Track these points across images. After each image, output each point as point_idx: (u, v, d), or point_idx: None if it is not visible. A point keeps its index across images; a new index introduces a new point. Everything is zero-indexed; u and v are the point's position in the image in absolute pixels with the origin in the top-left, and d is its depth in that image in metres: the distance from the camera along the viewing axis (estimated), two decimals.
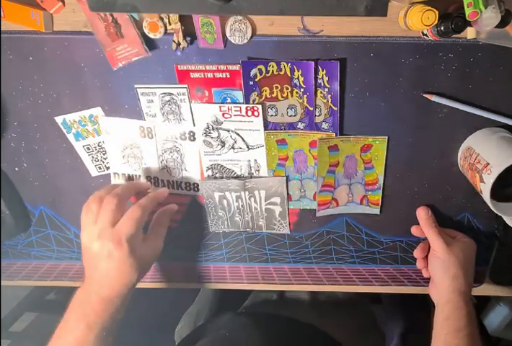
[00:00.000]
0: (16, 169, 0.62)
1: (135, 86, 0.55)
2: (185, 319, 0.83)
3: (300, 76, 0.52)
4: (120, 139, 0.59)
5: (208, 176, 0.61)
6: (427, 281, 0.63)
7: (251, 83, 0.53)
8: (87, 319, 0.50)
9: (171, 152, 0.59)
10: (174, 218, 0.64)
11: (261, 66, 0.52)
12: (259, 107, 0.55)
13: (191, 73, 0.53)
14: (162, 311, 0.79)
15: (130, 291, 0.54)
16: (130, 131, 0.58)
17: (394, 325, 0.83)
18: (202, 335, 0.66)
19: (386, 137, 0.57)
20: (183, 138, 0.58)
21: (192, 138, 0.58)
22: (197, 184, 0.62)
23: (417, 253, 0.61)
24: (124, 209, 0.52)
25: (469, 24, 0.45)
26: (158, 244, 0.57)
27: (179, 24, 0.49)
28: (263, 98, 0.55)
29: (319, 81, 0.53)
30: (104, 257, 0.50)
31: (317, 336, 0.67)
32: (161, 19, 0.49)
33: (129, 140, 0.59)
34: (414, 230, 0.62)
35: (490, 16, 0.41)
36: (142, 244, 0.53)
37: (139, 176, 0.61)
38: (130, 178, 0.62)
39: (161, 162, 0.60)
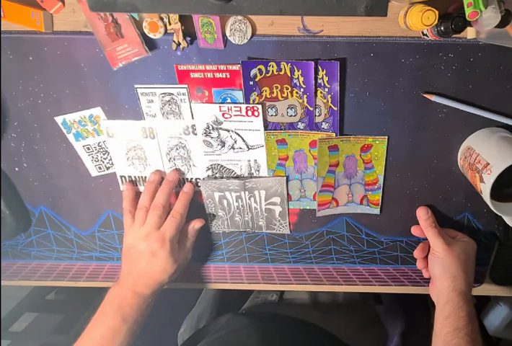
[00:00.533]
0: (16, 169, 0.62)
1: (135, 86, 0.55)
2: (187, 323, 0.83)
3: (300, 76, 0.52)
4: (123, 141, 0.59)
5: (208, 176, 0.61)
6: (427, 281, 0.63)
7: (251, 83, 0.53)
8: (123, 312, 0.55)
9: (177, 149, 0.59)
10: None
11: (261, 66, 0.52)
12: (259, 107, 0.55)
13: (191, 73, 0.53)
14: (165, 314, 0.80)
15: (160, 290, 0.60)
16: (132, 133, 0.58)
17: (394, 324, 0.83)
18: (202, 337, 0.66)
19: (386, 137, 0.57)
20: (186, 132, 0.58)
21: (194, 132, 0.58)
22: None
23: (417, 253, 0.61)
24: (166, 215, 0.59)
25: (469, 24, 0.45)
26: (185, 252, 0.62)
27: (179, 24, 0.49)
28: (263, 98, 0.55)
29: (319, 81, 0.53)
30: (147, 256, 0.57)
31: (319, 335, 0.67)
32: (161, 19, 0.49)
33: (132, 142, 0.59)
34: (414, 230, 0.62)
35: (490, 16, 0.41)
36: (177, 250, 0.60)
37: (145, 177, 0.61)
38: (136, 180, 0.62)
39: (169, 161, 0.60)
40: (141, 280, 0.58)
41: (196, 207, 0.63)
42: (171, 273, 0.59)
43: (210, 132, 0.57)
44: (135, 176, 0.61)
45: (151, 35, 0.50)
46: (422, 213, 0.60)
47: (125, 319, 0.55)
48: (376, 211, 0.62)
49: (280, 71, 0.52)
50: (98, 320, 0.56)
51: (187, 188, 0.61)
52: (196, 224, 0.62)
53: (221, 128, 0.57)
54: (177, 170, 0.61)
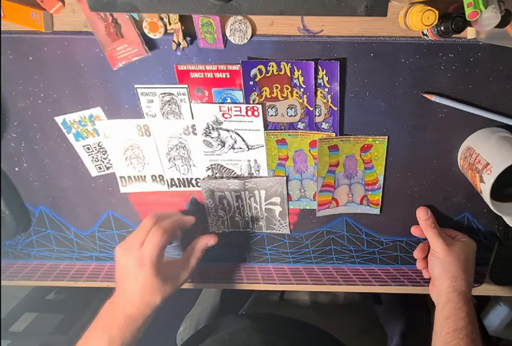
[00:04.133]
0: (16, 169, 0.62)
1: (135, 86, 0.55)
2: (187, 322, 0.83)
3: (300, 76, 0.52)
4: (120, 141, 0.59)
5: (208, 176, 0.61)
6: (427, 281, 0.63)
7: (251, 83, 0.53)
8: (110, 333, 0.52)
9: (177, 149, 0.59)
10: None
11: (261, 66, 0.52)
12: (259, 107, 0.55)
13: (191, 73, 0.53)
14: (164, 313, 0.80)
15: (153, 312, 0.55)
16: (128, 132, 0.58)
17: (394, 325, 0.83)
18: (203, 338, 0.66)
19: (386, 137, 0.57)
20: (186, 132, 0.58)
21: (194, 132, 0.58)
22: None
23: (416, 254, 0.61)
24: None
25: (469, 24, 0.45)
26: (186, 271, 0.58)
27: (179, 24, 0.49)
28: (263, 98, 0.55)
29: (319, 81, 0.53)
30: (131, 276, 0.53)
31: (319, 337, 0.67)
32: (161, 19, 0.49)
33: (128, 142, 0.59)
34: (413, 230, 0.62)
35: (490, 16, 0.41)
36: (168, 267, 0.56)
37: (145, 176, 0.61)
38: (136, 179, 0.62)
39: (169, 161, 0.60)
40: (131, 299, 0.54)
41: (196, 207, 0.63)
42: (160, 294, 0.54)
43: (210, 132, 0.57)
44: (134, 176, 0.61)
45: (151, 35, 0.50)
46: (422, 214, 0.60)
47: (111, 341, 0.52)
48: (376, 211, 0.62)
49: (280, 71, 0.52)
50: (86, 339, 0.53)
51: (189, 217, 0.60)
52: (210, 241, 0.60)
53: (221, 128, 0.57)
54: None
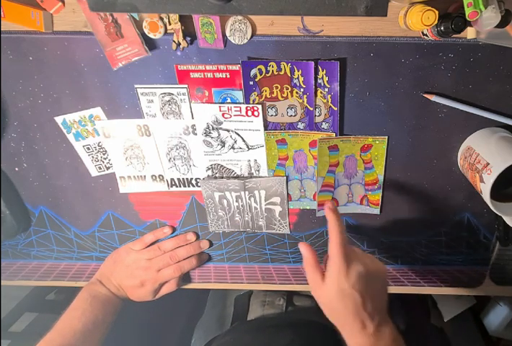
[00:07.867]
0: (16, 169, 0.62)
1: (135, 86, 0.55)
2: (197, 333, 0.82)
3: (300, 76, 0.52)
4: (120, 141, 0.59)
5: (208, 176, 0.61)
6: (427, 281, 0.63)
7: (251, 83, 0.53)
8: (105, 307, 0.61)
9: (177, 149, 0.59)
10: (173, 218, 0.65)
11: (261, 66, 0.52)
12: (259, 107, 0.55)
13: (191, 73, 0.53)
14: (177, 323, 0.82)
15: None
16: (128, 132, 0.58)
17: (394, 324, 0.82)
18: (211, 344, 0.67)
19: (386, 137, 0.57)
20: (186, 132, 0.58)
21: (194, 132, 0.58)
22: None
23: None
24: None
25: (469, 24, 0.45)
26: (173, 284, 0.66)
27: (179, 24, 0.49)
28: (263, 98, 0.55)
29: (319, 81, 0.53)
30: (137, 283, 0.62)
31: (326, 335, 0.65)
32: (161, 19, 0.49)
33: (128, 142, 0.59)
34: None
35: (490, 16, 0.41)
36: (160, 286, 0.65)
37: (145, 176, 0.61)
38: (136, 179, 0.62)
39: (169, 161, 0.60)
40: (125, 290, 0.64)
41: (196, 207, 0.63)
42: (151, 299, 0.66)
43: (210, 132, 0.57)
44: (134, 176, 0.61)
45: (151, 35, 0.50)
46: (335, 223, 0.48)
47: (106, 315, 0.60)
48: (376, 211, 0.62)
49: (280, 71, 0.52)
50: (78, 309, 0.59)
51: (204, 244, 0.66)
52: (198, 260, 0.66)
53: (221, 128, 0.57)
54: (208, 241, 0.66)
